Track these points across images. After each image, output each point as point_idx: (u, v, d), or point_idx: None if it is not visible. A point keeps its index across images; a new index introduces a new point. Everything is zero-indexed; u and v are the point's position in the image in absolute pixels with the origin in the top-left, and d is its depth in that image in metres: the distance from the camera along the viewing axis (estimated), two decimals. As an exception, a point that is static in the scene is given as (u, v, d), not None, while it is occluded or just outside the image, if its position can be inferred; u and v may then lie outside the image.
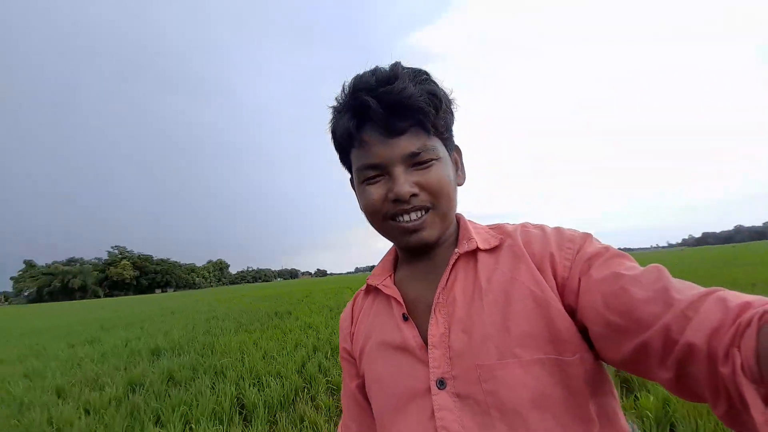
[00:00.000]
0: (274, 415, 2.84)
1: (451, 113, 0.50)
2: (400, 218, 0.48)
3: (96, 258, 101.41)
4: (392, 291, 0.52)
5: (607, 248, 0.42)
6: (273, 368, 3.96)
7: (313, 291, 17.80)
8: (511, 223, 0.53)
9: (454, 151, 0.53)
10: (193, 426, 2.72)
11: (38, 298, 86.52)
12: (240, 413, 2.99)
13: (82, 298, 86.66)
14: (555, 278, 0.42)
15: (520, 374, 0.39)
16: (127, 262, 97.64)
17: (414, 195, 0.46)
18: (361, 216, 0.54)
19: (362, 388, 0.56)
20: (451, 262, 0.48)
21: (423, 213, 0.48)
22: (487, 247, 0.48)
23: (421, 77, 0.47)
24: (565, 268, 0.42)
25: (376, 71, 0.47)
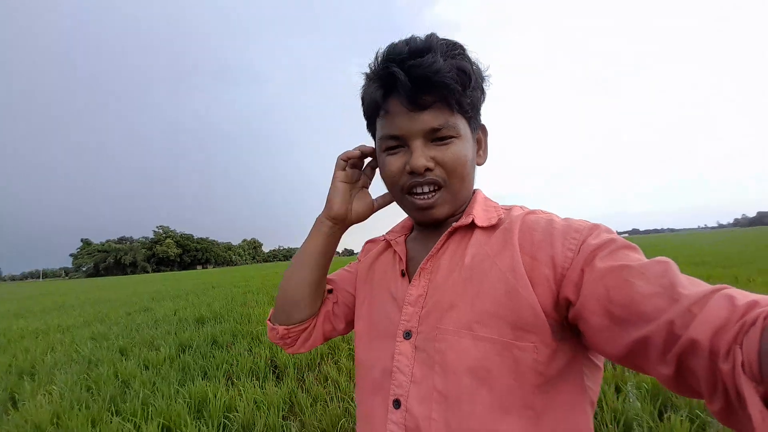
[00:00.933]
0: (302, 375, 3.19)
1: (482, 91, 0.49)
2: (415, 192, 0.50)
3: (143, 237, 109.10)
4: (400, 249, 0.57)
5: (613, 240, 0.40)
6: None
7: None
8: (527, 207, 0.53)
9: (479, 129, 0.53)
10: (234, 380, 3.12)
11: (95, 272, 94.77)
12: (273, 372, 3.38)
13: (132, 273, 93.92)
14: (554, 268, 0.41)
15: (468, 344, 0.42)
16: (171, 241, 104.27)
17: (429, 169, 0.48)
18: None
19: (351, 291, 0.66)
20: (445, 233, 0.51)
21: (435, 189, 0.49)
22: (485, 224, 0.49)
23: (454, 51, 0.46)
24: (567, 259, 0.41)
25: (409, 41, 0.46)
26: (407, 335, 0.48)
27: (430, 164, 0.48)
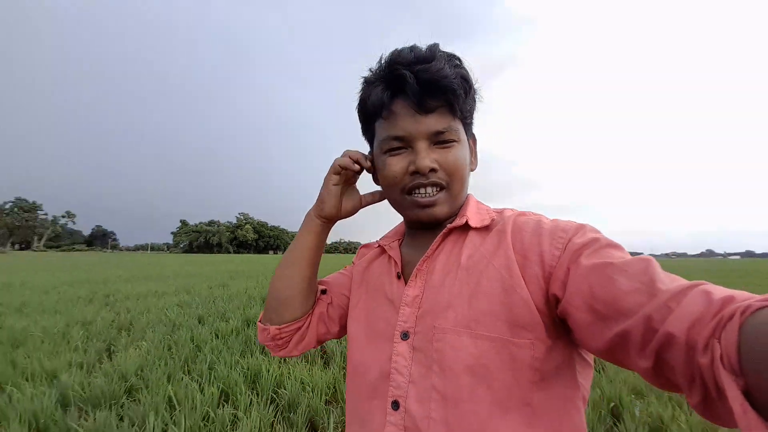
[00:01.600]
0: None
1: (474, 101, 0.52)
2: (417, 192, 0.51)
3: (227, 221, 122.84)
4: (394, 253, 0.58)
5: (598, 239, 0.41)
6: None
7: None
8: (517, 210, 0.54)
9: (471, 137, 0.56)
10: (288, 359, 3.35)
11: (189, 249, 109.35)
12: (322, 357, 3.54)
13: (218, 252, 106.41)
14: (543, 267, 0.43)
15: (467, 343, 0.43)
16: (249, 227, 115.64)
17: (433, 170, 0.49)
18: None
19: (345, 293, 0.65)
20: (441, 235, 0.52)
21: (437, 190, 0.51)
22: (478, 225, 0.50)
23: (454, 62, 0.49)
24: (554, 257, 0.42)
25: (414, 48, 0.49)
26: (405, 336, 0.49)
27: (435, 165, 0.49)
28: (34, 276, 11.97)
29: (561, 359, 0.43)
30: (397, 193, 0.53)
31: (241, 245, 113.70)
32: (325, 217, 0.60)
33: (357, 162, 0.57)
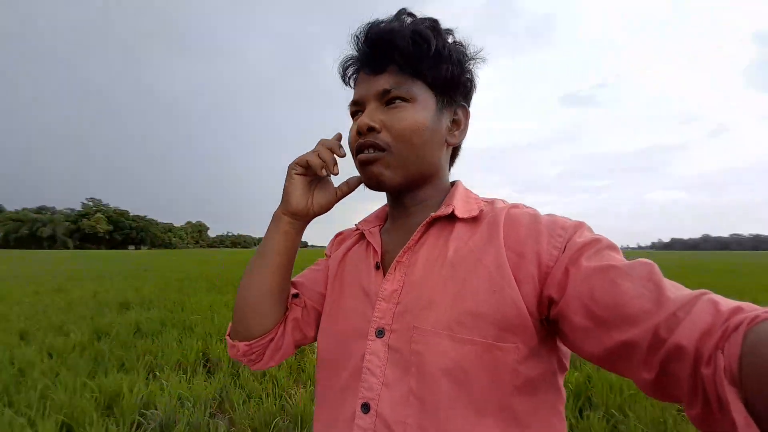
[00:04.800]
0: (237, 370, 2.97)
1: (461, 69, 0.48)
2: (361, 153, 0.48)
3: (68, 208, 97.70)
4: (374, 240, 0.53)
5: (599, 239, 0.39)
6: (241, 327, 4.07)
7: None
8: (508, 201, 0.51)
9: (457, 107, 0.51)
10: (158, 373, 2.82)
11: (4, 243, 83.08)
12: (205, 365, 3.10)
13: (50, 247, 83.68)
14: (539, 266, 0.40)
15: (447, 346, 0.40)
16: (102, 216, 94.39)
17: (372, 129, 0.46)
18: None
19: (321, 290, 0.58)
20: (424, 224, 0.48)
21: (378, 152, 0.47)
22: (465, 216, 0.47)
23: (423, 23, 0.46)
24: (552, 257, 0.40)
25: (418, 15, 0.48)
26: (380, 333, 0.45)
27: (375, 125, 0.46)
28: None
29: (545, 364, 0.41)
30: (354, 158, 0.50)
31: (87, 239, 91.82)
32: (293, 213, 0.53)
33: (332, 151, 0.51)
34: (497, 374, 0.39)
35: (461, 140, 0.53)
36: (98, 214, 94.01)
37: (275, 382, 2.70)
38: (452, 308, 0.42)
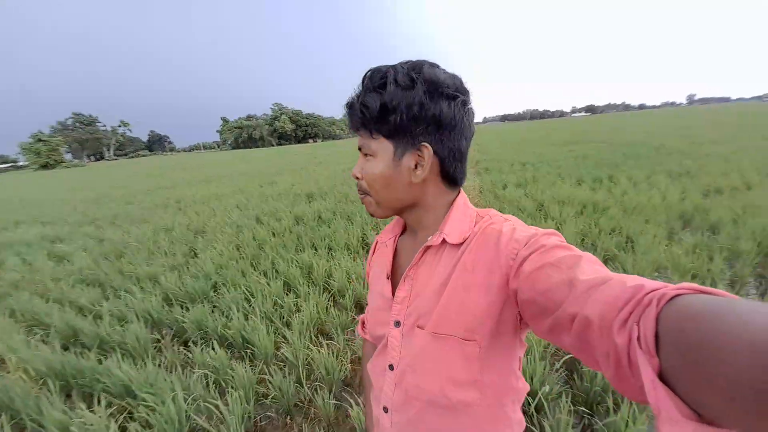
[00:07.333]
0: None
1: (405, 113, 0.53)
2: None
3: (264, 114, 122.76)
4: (388, 253, 0.69)
5: (544, 244, 0.48)
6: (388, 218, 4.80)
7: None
8: (497, 214, 0.60)
9: (414, 149, 0.56)
10: (334, 253, 3.82)
11: (236, 146, 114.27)
12: (363, 248, 3.97)
13: (262, 146, 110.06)
14: (500, 275, 0.51)
15: (428, 338, 0.57)
16: (286, 117, 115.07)
17: (357, 177, 0.61)
18: None
19: None
20: (421, 250, 0.60)
21: (366, 194, 0.61)
22: (455, 242, 0.57)
23: (374, 83, 0.54)
24: (509, 266, 0.50)
25: (377, 72, 0.55)
26: (397, 324, 0.63)
27: (357, 175, 0.60)
28: (114, 189, 13.71)
29: (501, 350, 0.55)
30: None
31: (282, 137, 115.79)
32: None
33: None
34: (466, 359, 0.54)
35: (423, 176, 0.58)
36: (283, 116, 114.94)
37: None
38: (435, 312, 0.57)
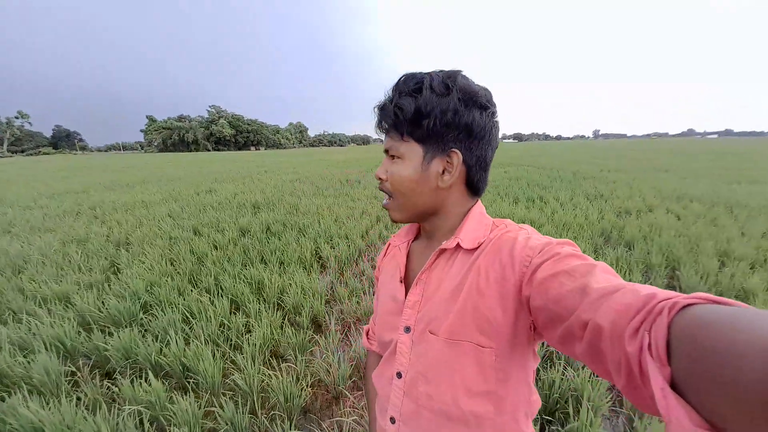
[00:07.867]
0: (342, 268, 3.58)
1: (438, 118, 0.55)
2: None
3: (199, 116, 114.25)
4: (401, 258, 0.68)
5: (558, 252, 0.47)
6: (342, 231, 4.71)
7: (382, 159, 18.59)
8: (513, 224, 0.60)
9: (444, 154, 0.57)
10: (286, 267, 3.61)
11: (164, 148, 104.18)
12: (318, 262, 3.82)
13: (196, 150, 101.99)
14: (514, 283, 0.50)
15: (441, 344, 0.55)
16: (224, 121, 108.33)
17: (381, 179, 0.61)
18: None
19: None
20: (435, 253, 0.60)
21: (388, 197, 0.62)
22: (469, 247, 0.57)
23: (408, 87, 0.55)
24: (523, 274, 0.49)
25: (412, 77, 0.56)
26: (407, 330, 0.61)
27: (383, 176, 0.61)
28: (8, 188, 11.53)
29: (516, 360, 0.54)
30: None
31: (219, 142, 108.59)
32: None
33: None
34: (481, 367, 0.53)
35: (450, 182, 0.59)
36: (221, 120, 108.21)
37: (371, 282, 3.21)
38: (447, 318, 0.55)
